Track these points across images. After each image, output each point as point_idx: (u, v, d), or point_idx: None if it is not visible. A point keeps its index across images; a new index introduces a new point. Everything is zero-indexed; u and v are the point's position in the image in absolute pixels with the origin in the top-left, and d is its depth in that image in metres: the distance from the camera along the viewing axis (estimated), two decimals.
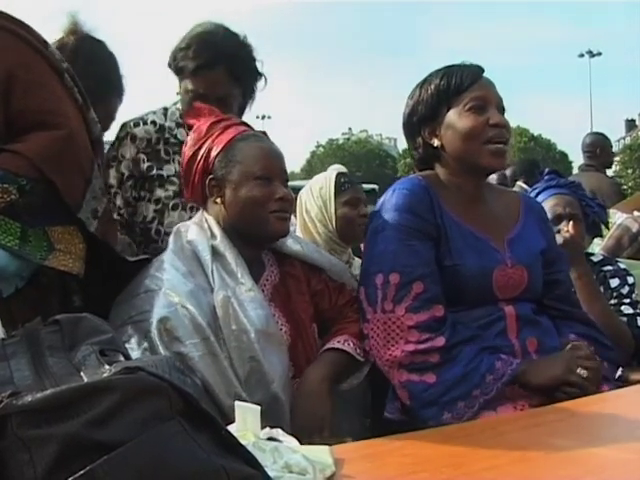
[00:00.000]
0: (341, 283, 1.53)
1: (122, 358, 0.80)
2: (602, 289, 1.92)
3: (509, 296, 1.42)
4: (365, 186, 4.18)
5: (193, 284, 1.30)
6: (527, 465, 0.93)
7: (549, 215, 1.77)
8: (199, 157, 1.41)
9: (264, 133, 1.50)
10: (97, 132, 1.43)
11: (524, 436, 1.07)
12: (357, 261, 2.06)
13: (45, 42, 1.35)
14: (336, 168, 2.29)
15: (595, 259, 2.03)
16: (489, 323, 1.38)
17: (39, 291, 1.29)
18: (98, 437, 0.54)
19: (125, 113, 1.95)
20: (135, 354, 1.20)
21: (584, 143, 4.39)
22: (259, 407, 0.94)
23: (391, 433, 1.10)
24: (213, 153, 1.40)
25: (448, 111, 1.43)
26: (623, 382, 1.57)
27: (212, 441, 0.59)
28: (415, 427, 1.19)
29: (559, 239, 1.77)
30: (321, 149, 45.49)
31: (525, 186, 3.97)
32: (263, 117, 40.99)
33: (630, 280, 1.96)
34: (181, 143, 1.77)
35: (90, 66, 1.71)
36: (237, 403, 0.96)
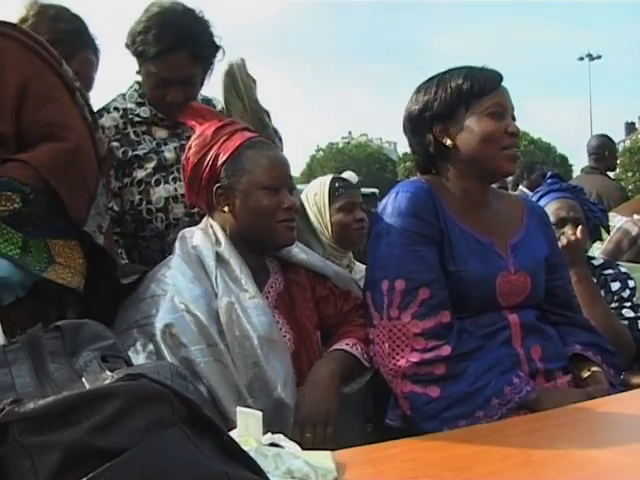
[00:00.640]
0: (347, 290, 1.53)
1: (124, 364, 0.80)
2: (603, 293, 1.92)
3: (512, 303, 1.41)
4: (365, 190, 4.17)
5: (199, 289, 1.30)
6: (530, 469, 0.93)
7: (552, 219, 1.77)
8: (205, 164, 1.40)
9: (267, 138, 1.50)
10: (103, 152, 1.44)
11: (527, 440, 1.06)
12: (358, 265, 2.05)
13: (60, 60, 1.38)
14: (349, 175, 2.26)
15: (596, 263, 2.02)
16: (494, 332, 1.37)
17: (38, 301, 1.29)
18: (100, 444, 0.54)
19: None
20: (140, 357, 1.20)
21: (590, 145, 4.35)
22: (261, 413, 0.94)
23: (392, 440, 1.09)
24: (220, 161, 1.40)
25: (466, 112, 1.42)
26: (624, 386, 1.57)
27: (215, 447, 0.59)
28: (416, 435, 1.17)
29: (563, 240, 1.77)
30: (321, 153, 45.49)
31: (526, 190, 3.96)
32: None
33: (631, 284, 1.95)
34: (145, 120, 1.80)
35: (56, 22, 1.71)
36: (239, 409, 0.96)
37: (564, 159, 36.04)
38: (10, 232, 1.21)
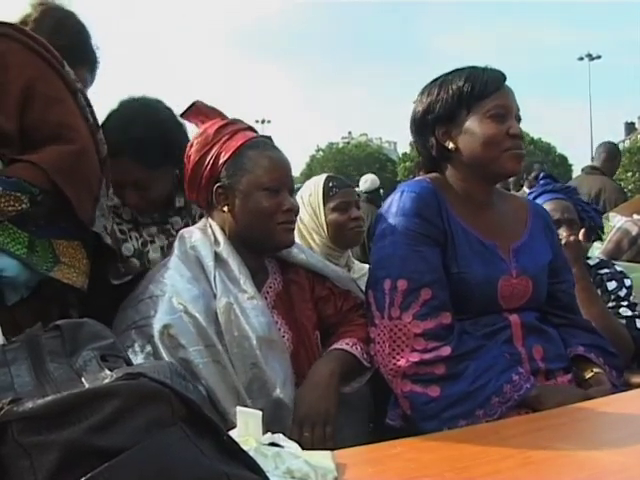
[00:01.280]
0: (346, 290, 1.53)
1: (123, 364, 0.80)
2: (599, 292, 1.92)
3: (513, 306, 1.41)
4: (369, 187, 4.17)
5: (198, 290, 1.29)
6: (530, 469, 0.93)
7: None
8: (206, 163, 1.40)
9: (269, 138, 1.49)
10: (105, 153, 1.44)
11: (527, 440, 1.06)
12: (357, 264, 2.05)
13: (61, 61, 1.38)
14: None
15: (591, 262, 2.03)
16: (494, 332, 1.37)
17: (42, 301, 1.30)
18: (100, 443, 0.54)
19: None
20: (139, 358, 1.20)
21: (600, 149, 4.49)
22: (260, 412, 0.94)
23: (392, 439, 1.09)
24: (221, 160, 1.39)
25: (467, 115, 1.41)
26: (623, 385, 1.57)
27: (214, 447, 0.59)
28: (416, 435, 1.17)
29: (562, 239, 1.77)
30: (321, 153, 45.50)
31: (529, 191, 3.98)
32: (263, 121, 40.99)
33: (627, 282, 1.96)
34: (129, 220, 1.66)
35: (55, 36, 1.67)
36: (238, 408, 0.96)
37: (564, 159, 36.07)
38: (16, 232, 1.22)
